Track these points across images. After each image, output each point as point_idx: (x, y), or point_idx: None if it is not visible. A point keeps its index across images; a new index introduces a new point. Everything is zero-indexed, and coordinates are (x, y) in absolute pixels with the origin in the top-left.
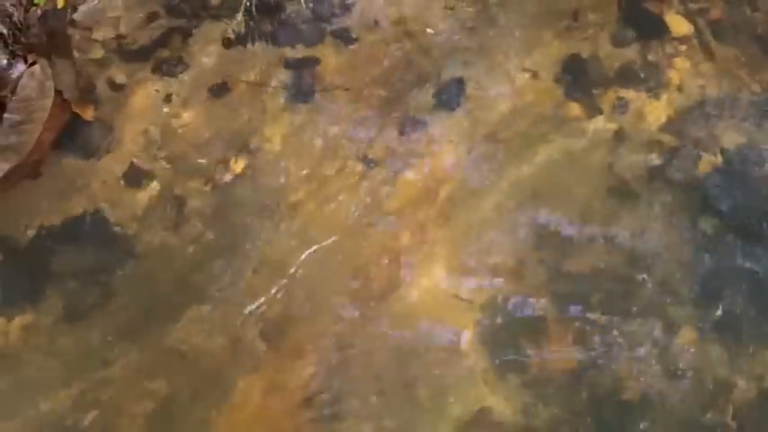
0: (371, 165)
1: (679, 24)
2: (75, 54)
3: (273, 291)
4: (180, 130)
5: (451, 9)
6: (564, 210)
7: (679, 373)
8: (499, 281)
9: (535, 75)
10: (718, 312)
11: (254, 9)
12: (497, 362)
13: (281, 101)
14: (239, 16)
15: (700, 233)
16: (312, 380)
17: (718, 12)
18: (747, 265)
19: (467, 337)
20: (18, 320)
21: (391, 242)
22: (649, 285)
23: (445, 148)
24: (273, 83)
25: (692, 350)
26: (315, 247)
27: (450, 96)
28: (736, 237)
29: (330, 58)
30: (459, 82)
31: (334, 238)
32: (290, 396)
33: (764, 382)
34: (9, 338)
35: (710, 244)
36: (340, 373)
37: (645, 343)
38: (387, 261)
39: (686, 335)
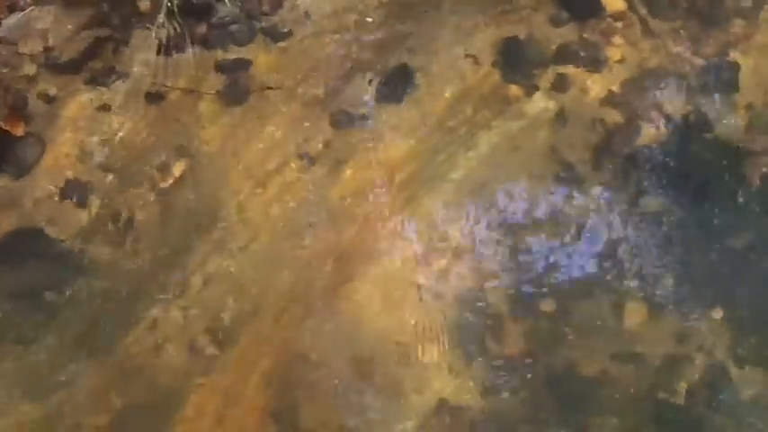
0: (311, 161)
1: (614, 2)
2: (3, 70)
3: (221, 296)
4: (116, 140)
5: None
6: (512, 195)
7: (630, 350)
8: (453, 268)
9: (476, 60)
10: (666, 287)
11: (176, 11)
12: (455, 349)
13: (216, 104)
14: (160, 18)
15: (645, 206)
16: (267, 386)
17: None
18: (693, 235)
19: (422, 326)
20: None
21: (338, 237)
22: (598, 266)
23: (393, 139)
24: (207, 87)
25: (642, 326)
26: (260, 248)
27: (395, 86)
28: (681, 207)
29: (262, 56)
30: (404, 71)
31: (279, 238)
32: (247, 403)
33: (714, 354)
34: None
35: (656, 217)
36: (295, 376)
37: (596, 323)
38: (335, 256)
39: (635, 312)
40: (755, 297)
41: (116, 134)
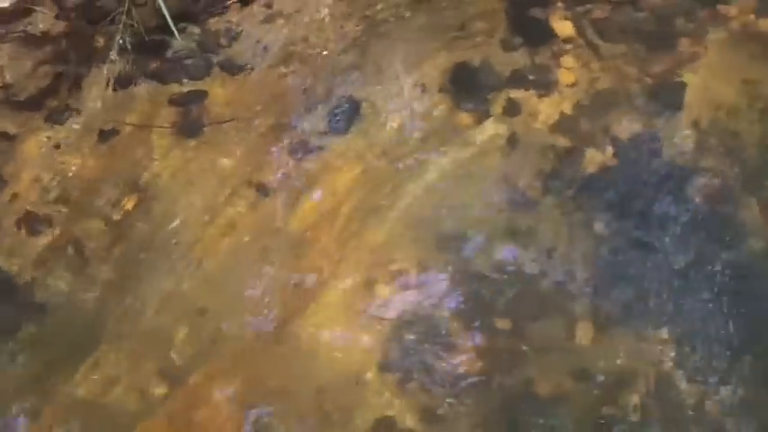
0: (265, 193)
1: (564, 27)
2: None
3: (175, 327)
4: (71, 175)
5: (341, 28)
6: (464, 223)
7: (583, 368)
8: (405, 293)
9: (424, 87)
10: (615, 304)
11: (129, 47)
12: (405, 372)
13: (170, 138)
14: (113, 54)
15: (595, 229)
16: (225, 420)
17: (601, 12)
18: (640, 255)
19: (372, 350)
20: None
21: (291, 266)
22: (549, 286)
23: (341, 169)
24: (161, 121)
25: (593, 344)
26: (214, 278)
27: (343, 117)
28: (628, 230)
29: (218, 89)
30: (352, 101)
31: (232, 269)
32: None
33: (662, 366)
34: None
35: (605, 239)
36: (253, 407)
37: (550, 342)
38: (289, 286)
39: (586, 330)
40: (700, 313)
41: (71, 170)
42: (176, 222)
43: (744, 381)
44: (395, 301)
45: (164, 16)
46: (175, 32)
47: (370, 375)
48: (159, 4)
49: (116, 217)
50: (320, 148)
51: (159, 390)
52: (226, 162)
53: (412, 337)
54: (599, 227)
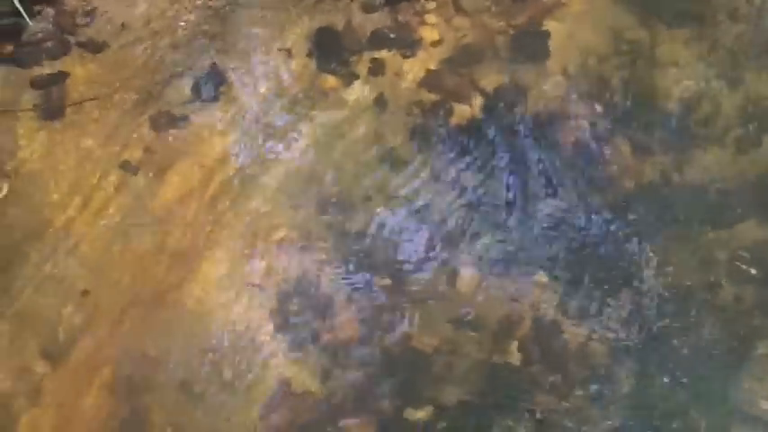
0: (132, 169)
1: None
2: None
3: (54, 309)
4: None
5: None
6: (340, 184)
7: (465, 318)
8: (286, 259)
9: (290, 53)
10: (492, 251)
11: None
12: (293, 336)
13: (34, 122)
14: None
15: (464, 181)
16: (109, 396)
17: None
18: (510, 203)
19: (260, 319)
20: None
21: (166, 241)
22: (427, 238)
23: (209, 139)
24: (23, 105)
25: (473, 293)
26: (90, 256)
27: (208, 87)
28: (499, 178)
29: (78, 69)
30: (217, 70)
31: (107, 247)
32: (87, 420)
33: (539, 310)
34: None
35: (476, 189)
36: (138, 383)
37: (431, 294)
38: (165, 260)
39: (466, 279)
40: (572, 258)
41: None
42: (49, 207)
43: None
44: (275, 267)
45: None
46: (24, 15)
47: (252, 341)
48: None
49: None
50: (186, 119)
51: (38, 371)
52: (91, 142)
53: (295, 301)
54: (469, 178)
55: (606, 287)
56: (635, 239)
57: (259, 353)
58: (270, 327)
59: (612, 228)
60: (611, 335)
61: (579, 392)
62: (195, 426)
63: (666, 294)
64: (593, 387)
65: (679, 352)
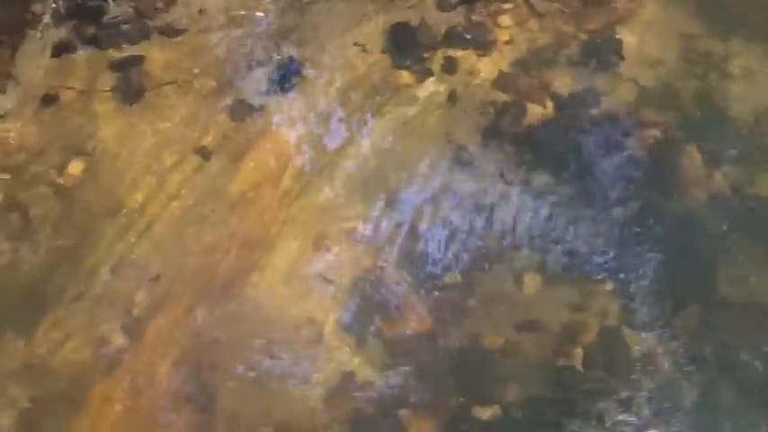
0: (208, 155)
1: None
2: None
3: (128, 290)
4: (13, 142)
5: None
6: (410, 180)
7: (529, 320)
8: (356, 252)
9: (364, 48)
10: (559, 256)
11: (64, 12)
12: (358, 331)
13: (112, 103)
14: (46, 18)
15: (534, 183)
16: (177, 374)
17: None
18: (581, 207)
19: (327, 311)
20: None
21: (238, 228)
22: (495, 238)
23: (284, 129)
24: (101, 86)
25: (539, 296)
26: (163, 240)
27: (284, 78)
28: (569, 183)
29: (156, 54)
30: (293, 62)
31: (180, 230)
32: (157, 392)
33: (607, 318)
34: None
35: (546, 192)
36: (205, 365)
37: (497, 296)
38: (236, 248)
39: (532, 282)
40: (640, 266)
41: (13, 137)
42: (123, 188)
43: (689, 332)
44: (344, 260)
45: None
46: None
47: (319, 332)
48: None
49: (62, 181)
50: (262, 109)
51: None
52: (168, 126)
53: (363, 294)
54: (541, 180)
55: (676, 298)
56: (706, 250)
57: (324, 345)
58: (336, 319)
59: (683, 238)
60: (679, 348)
61: (643, 403)
62: (258, 411)
63: (738, 308)
64: (658, 399)
65: (749, 368)
